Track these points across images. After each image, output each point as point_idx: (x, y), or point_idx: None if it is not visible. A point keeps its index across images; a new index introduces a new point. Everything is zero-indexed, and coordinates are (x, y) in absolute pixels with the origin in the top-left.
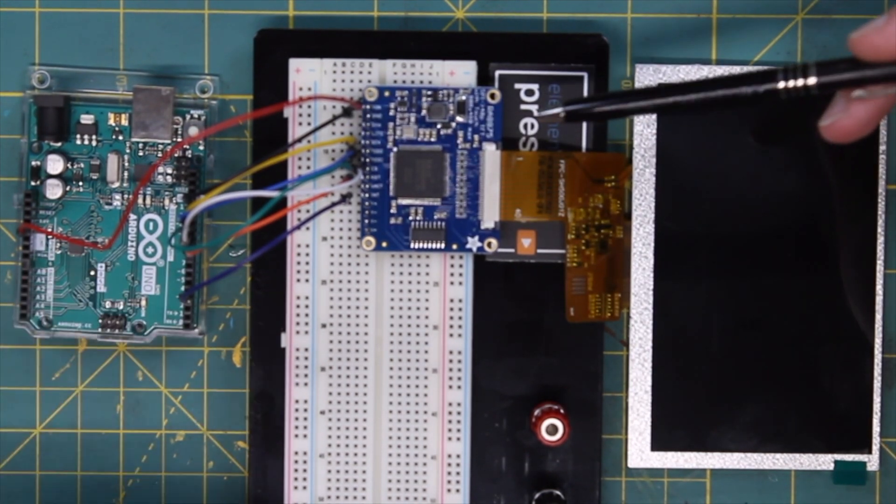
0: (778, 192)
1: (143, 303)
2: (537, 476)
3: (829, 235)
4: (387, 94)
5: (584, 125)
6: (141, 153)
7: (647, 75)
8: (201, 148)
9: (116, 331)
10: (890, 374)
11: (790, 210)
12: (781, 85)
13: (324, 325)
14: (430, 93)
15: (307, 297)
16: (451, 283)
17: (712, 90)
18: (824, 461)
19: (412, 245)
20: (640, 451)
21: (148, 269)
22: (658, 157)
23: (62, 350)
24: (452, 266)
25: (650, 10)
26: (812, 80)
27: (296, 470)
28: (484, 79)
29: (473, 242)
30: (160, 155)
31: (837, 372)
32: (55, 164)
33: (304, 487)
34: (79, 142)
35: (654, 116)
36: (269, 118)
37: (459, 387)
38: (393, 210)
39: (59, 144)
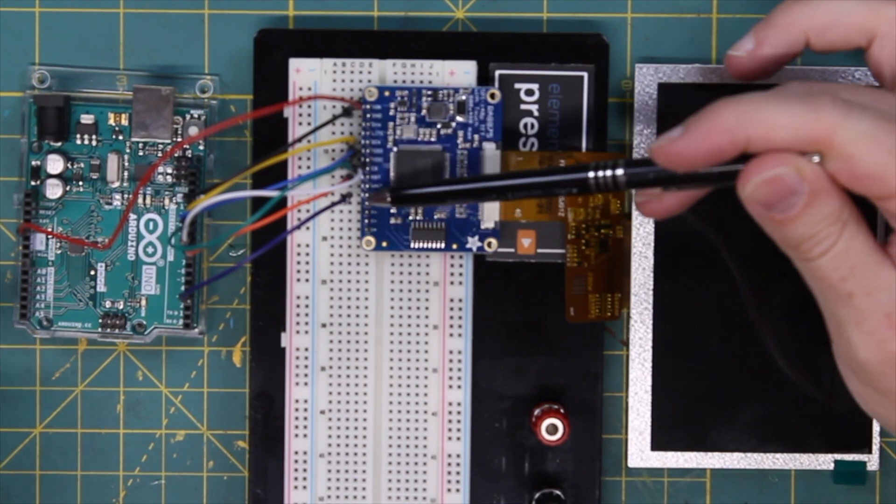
0: None
1: (143, 302)
2: (537, 476)
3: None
4: (387, 93)
5: (585, 125)
6: (141, 153)
7: (647, 75)
8: (201, 148)
9: (116, 331)
10: None
11: None
12: (591, 175)
13: (324, 325)
14: (430, 93)
15: (307, 297)
16: (451, 282)
17: (530, 177)
18: (824, 461)
19: (412, 245)
20: (640, 451)
21: (148, 269)
22: None
23: (62, 350)
24: (452, 266)
25: (650, 10)
26: (620, 176)
27: (296, 470)
28: (484, 79)
29: (473, 242)
30: (160, 155)
31: (837, 372)
32: (55, 164)
33: (304, 487)
34: (79, 142)
35: (654, 116)
36: (269, 118)
37: (459, 387)
38: (393, 210)
39: (59, 144)
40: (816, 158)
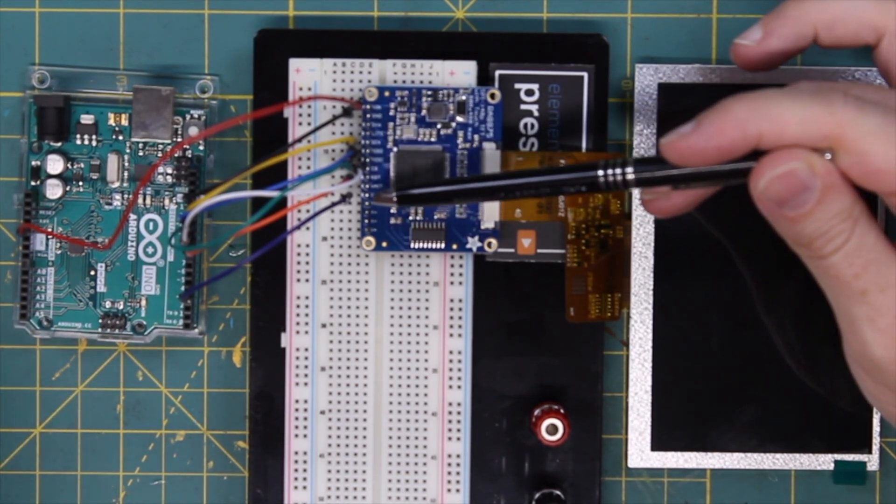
0: None
1: (143, 303)
2: (537, 476)
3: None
4: (387, 94)
5: (585, 125)
6: (141, 153)
7: (647, 75)
8: (201, 148)
9: (116, 331)
10: None
11: None
12: (601, 174)
13: (324, 325)
14: (430, 93)
15: (307, 297)
16: (451, 283)
17: (538, 176)
18: (824, 461)
19: (412, 245)
20: (640, 451)
21: (148, 269)
22: None
23: (62, 350)
24: (452, 266)
25: (650, 10)
26: (630, 174)
27: (296, 470)
28: (484, 79)
29: (473, 242)
30: (160, 155)
31: (837, 372)
32: (55, 164)
33: (304, 487)
34: (79, 142)
35: (654, 116)
36: (269, 118)
37: (459, 387)
38: (393, 210)
39: (59, 144)
40: (828, 155)
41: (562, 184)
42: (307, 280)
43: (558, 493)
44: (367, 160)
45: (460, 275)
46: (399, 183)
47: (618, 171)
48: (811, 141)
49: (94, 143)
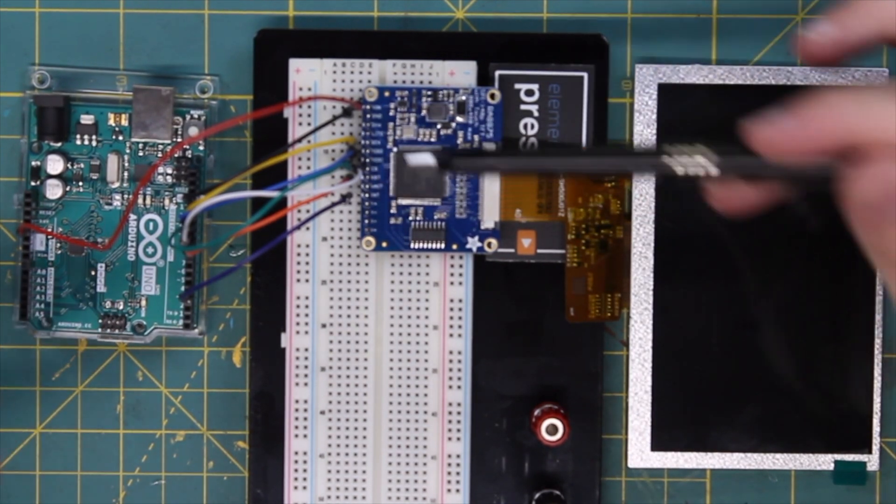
0: None
1: (143, 303)
2: (537, 476)
3: (828, 236)
4: (387, 94)
5: (585, 125)
6: (141, 153)
7: (647, 75)
8: (201, 148)
9: (116, 331)
10: (890, 374)
11: (790, 209)
12: (681, 171)
13: (324, 325)
14: (430, 93)
15: (307, 297)
16: (451, 283)
17: (603, 157)
18: (824, 461)
19: (412, 245)
20: (640, 451)
21: (148, 269)
22: None
23: (62, 350)
24: (452, 266)
25: (650, 10)
26: (712, 168)
27: (296, 470)
28: (484, 79)
29: (473, 242)
30: (160, 155)
31: (837, 372)
32: (55, 164)
33: (304, 487)
34: (79, 142)
35: (654, 116)
36: (269, 118)
37: (459, 387)
38: (393, 210)
39: (59, 144)
40: None
41: (630, 168)
42: (307, 280)
43: (558, 493)
44: (367, 160)
45: (460, 275)
46: (442, 154)
47: (699, 166)
48: None
49: (94, 144)
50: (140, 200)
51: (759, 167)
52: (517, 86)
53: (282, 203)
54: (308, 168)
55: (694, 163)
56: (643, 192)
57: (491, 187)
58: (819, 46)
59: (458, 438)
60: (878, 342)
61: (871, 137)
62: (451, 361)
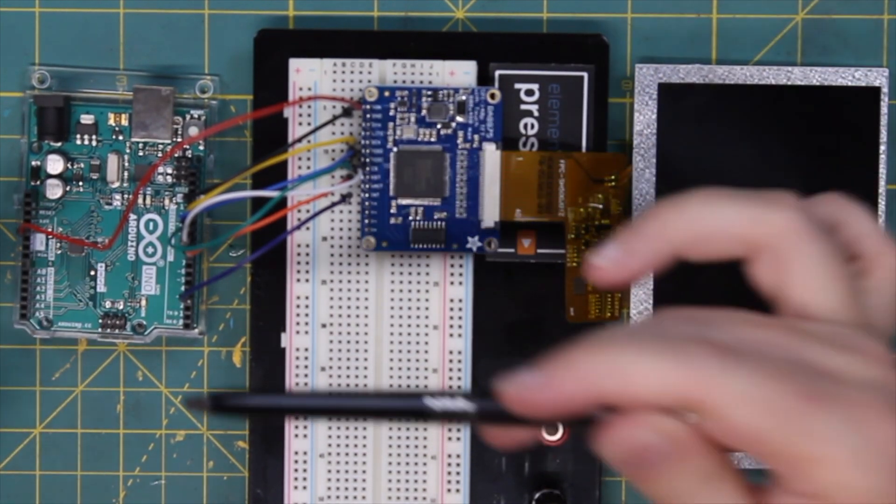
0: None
1: (143, 303)
2: (537, 476)
3: None
4: (387, 94)
5: (585, 125)
6: (141, 153)
7: (647, 75)
8: (201, 148)
9: (116, 331)
10: None
11: None
12: (437, 407)
13: (324, 325)
14: (430, 93)
15: (307, 297)
16: (451, 283)
17: (364, 402)
18: None
19: (412, 245)
20: None
21: (148, 269)
22: (658, 157)
23: (62, 350)
24: (452, 266)
25: (650, 10)
26: (470, 411)
27: (296, 470)
28: (484, 79)
29: (473, 242)
30: (160, 155)
31: None
32: (55, 164)
33: (304, 487)
34: (79, 142)
35: (654, 116)
36: (269, 118)
37: (459, 387)
38: (393, 210)
39: (59, 144)
40: (693, 417)
41: (388, 412)
42: (307, 280)
43: (558, 493)
44: (367, 160)
45: (460, 275)
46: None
47: (457, 405)
48: (668, 402)
49: (94, 143)
50: (140, 200)
51: (516, 416)
52: (517, 86)
53: (282, 203)
54: (308, 168)
55: (455, 405)
56: (643, 192)
57: (491, 187)
58: (605, 272)
59: (458, 438)
60: None
61: (617, 398)
62: (451, 361)
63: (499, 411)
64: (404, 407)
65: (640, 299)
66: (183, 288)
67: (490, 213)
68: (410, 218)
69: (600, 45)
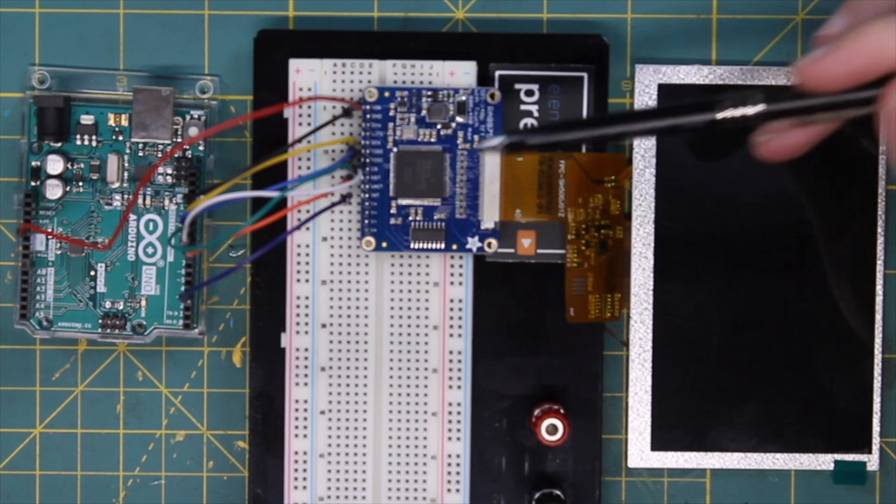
0: (777, 192)
1: (143, 303)
2: (537, 476)
3: (828, 235)
4: (387, 94)
5: None
6: (141, 153)
7: (647, 75)
8: (201, 148)
9: (116, 331)
10: (890, 374)
11: (789, 210)
12: (720, 116)
13: (324, 325)
14: (430, 93)
15: (307, 297)
16: (451, 283)
17: (659, 119)
18: (824, 461)
19: (412, 245)
20: (640, 451)
21: (148, 269)
22: (658, 157)
23: (62, 350)
24: (452, 266)
25: (650, 10)
26: (760, 108)
27: (296, 470)
28: (484, 79)
29: (473, 242)
30: (160, 155)
31: (837, 372)
32: (55, 165)
33: (304, 487)
34: (79, 142)
35: None
36: (269, 118)
37: (459, 387)
38: (393, 210)
39: (59, 145)
40: None
41: (676, 129)
42: (307, 280)
43: (558, 493)
44: (367, 160)
45: (460, 275)
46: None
47: (738, 112)
48: None
49: (94, 144)
50: (140, 200)
51: (802, 105)
52: (517, 86)
53: (282, 203)
54: (308, 168)
55: (738, 115)
56: (643, 192)
57: (491, 187)
58: (812, 69)
59: (458, 438)
60: (877, 342)
61: None
62: (451, 361)
63: (785, 107)
64: (691, 123)
65: (641, 299)
66: (183, 288)
67: (490, 214)
68: (410, 218)
69: (600, 46)
